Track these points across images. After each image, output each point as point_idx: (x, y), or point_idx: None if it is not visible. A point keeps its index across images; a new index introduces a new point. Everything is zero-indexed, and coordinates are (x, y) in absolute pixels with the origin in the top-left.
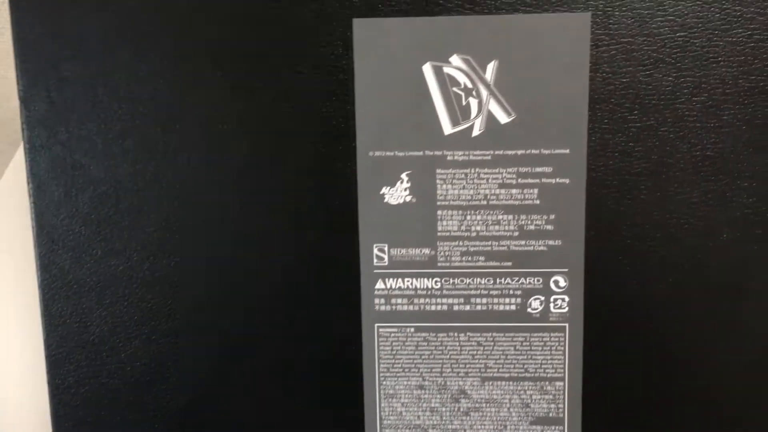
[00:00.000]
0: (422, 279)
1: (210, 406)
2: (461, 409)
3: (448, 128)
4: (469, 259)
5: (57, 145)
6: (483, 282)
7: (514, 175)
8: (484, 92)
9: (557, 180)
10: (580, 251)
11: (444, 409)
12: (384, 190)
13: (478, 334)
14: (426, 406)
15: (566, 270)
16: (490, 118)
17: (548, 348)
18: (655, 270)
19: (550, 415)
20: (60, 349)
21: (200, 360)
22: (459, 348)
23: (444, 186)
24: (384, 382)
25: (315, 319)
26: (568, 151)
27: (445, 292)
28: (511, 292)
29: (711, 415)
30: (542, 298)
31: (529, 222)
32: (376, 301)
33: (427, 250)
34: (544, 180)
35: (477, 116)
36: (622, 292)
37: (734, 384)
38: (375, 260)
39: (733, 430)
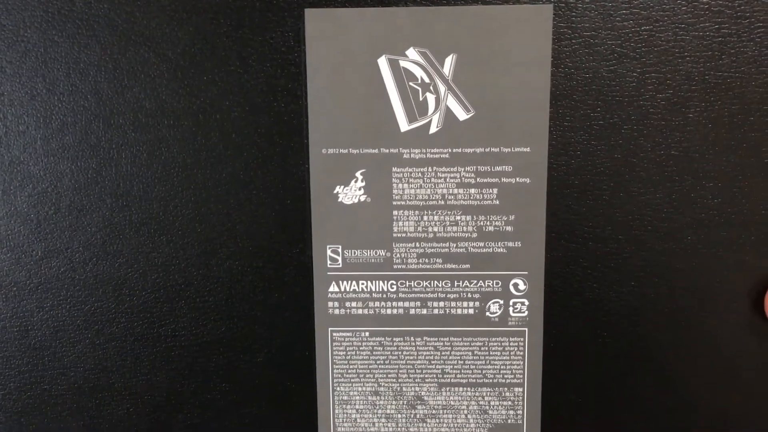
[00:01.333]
0: (377, 282)
1: (156, 412)
2: (418, 416)
3: (404, 125)
4: (426, 261)
5: None
6: (440, 285)
7: (472, 174)
8: (441, 87)
9: (517, 179)
10: (541, 253)
11: (400, 415)
12: (338, 189)
13: (435, 339)
14: (381, 413)
15: (526, 273)
16: (448, 115)
17: (507, 353)
18: (617, 273)
19: (509, 421)
20: (0, 354)
21: (146, 365)
22: (415, 353)
23: (400, 185)
24: (338, 388)
25: (266, 323)
26: (528, 149)
27: (401, 295)
28: (470, 295)
29: (672, 419)
30: (501, 302)
31: (488, 223)
32: (330, 304)
33: (382, 252)
34: (503, 179)
35: (434, 112)
36: (583, 296)
37: (697, 389)
38: (328, 262)
39: None
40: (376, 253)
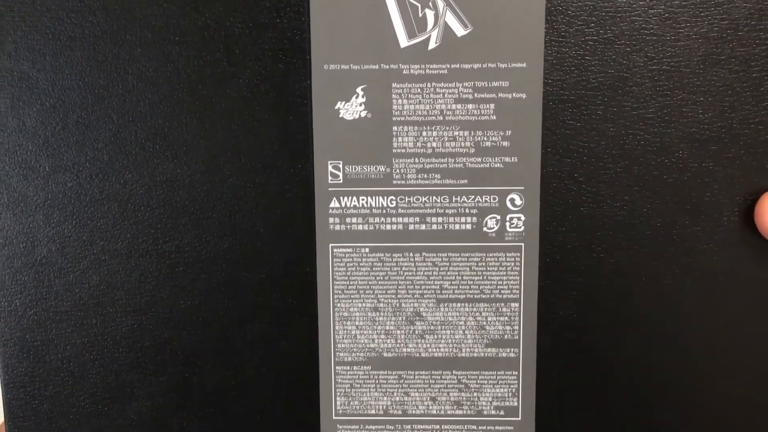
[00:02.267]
0: (377, 197)
1: (159, 328)
2: (416, 332)
3: (404, 41)
4: (425, 176)
5: (3, 56)
6: (439, 200)
7: (470, 90)
8: (440, 3)
9: (514, 95)
10: (536, 169)
11: (399, 332)
12: (339, 104)
13: (434, 255)
14: (381, 329)
15: (522, 188)
16: (447, 31)
17: (504, 268)
18: (611, 188)
19: (506, 337)
20: (6, 271)
21: (150, 281)
22: (414, 269)
23: (399, 101)
24: (338, 305)
25: (268, 240)
26: (524, 65)
27: (400, 210)
28: (467, 210)
29: (665, 331)
30: (498, 217)
31: (486, 138)
32: (331, 220)
33: (382, 168)
34: (500, 95)
35: (433, 28)
36: (578, 211)
37: (689, 301)
38: (329, 178)
39: (690, 349)
40: (376, 168)
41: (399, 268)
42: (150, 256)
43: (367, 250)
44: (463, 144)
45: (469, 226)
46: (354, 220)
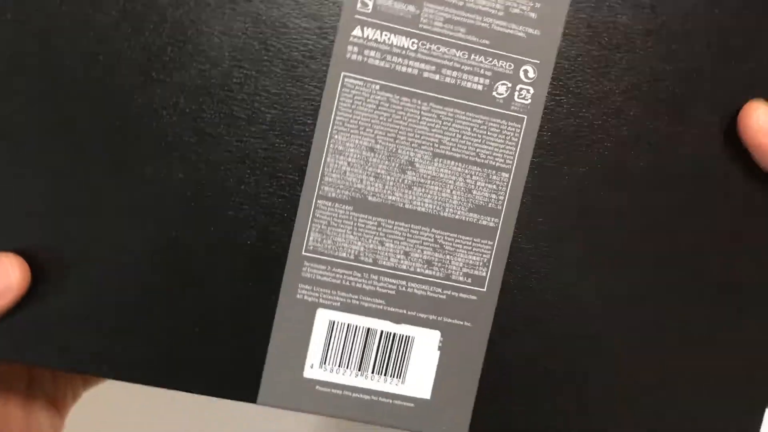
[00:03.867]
0: (400, 37)
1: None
2: (405, 182)
3: None
4: (451, 27)
5: None
6: (458, 54)
7: None
8: None
9: None
10: (555, 44)
11: (389, 177)
12: None
13: (441, 108)
14: (371, 171)
15: (538, 62)
16: None
17: (503, 136)
18: (617, 72)
19: (489, 205)
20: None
21: (159, 120)
22: (419, 117)
23: None
24: (335, 136)
25: (284, 58)
26: None
27: (419, 55)
28: (482, 71)
29: (653, 224)
30: (509, 85)
31: (516, 5)
32: (350, 48)
33: (412, 8)
34: None
35: None
36: (584, 95)
37: (672, 195)
38: (359, 5)
39: (676, 239)
40: (406, 6)
41: (404, 113)
42: (159, 101)
43: (377, 87)
44: (494, 5)
45: (480, 87)
46: (372, 53)
